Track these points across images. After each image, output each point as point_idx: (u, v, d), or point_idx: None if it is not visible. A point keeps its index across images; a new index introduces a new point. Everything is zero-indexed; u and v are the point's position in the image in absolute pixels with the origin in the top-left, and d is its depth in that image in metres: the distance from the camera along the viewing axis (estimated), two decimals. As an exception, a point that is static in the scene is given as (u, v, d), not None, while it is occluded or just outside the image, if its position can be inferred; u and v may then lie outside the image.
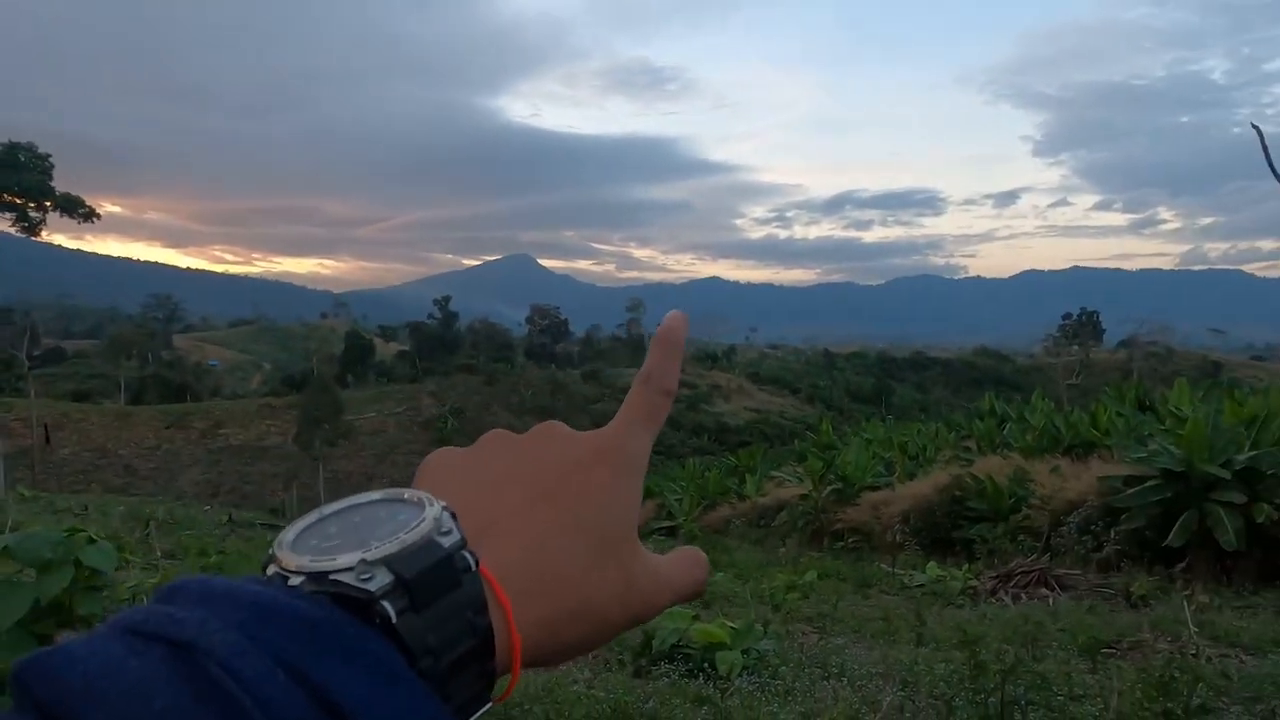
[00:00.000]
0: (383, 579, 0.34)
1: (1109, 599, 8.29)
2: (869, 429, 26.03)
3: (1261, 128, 8.63)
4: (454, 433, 50.56)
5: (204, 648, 0.29)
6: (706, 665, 4.94)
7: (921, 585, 9.63)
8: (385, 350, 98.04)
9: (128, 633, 0.30)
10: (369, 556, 0.34)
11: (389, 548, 0.35)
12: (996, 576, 9.48)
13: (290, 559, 0.35)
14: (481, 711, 0.36)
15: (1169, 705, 3.50)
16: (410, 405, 61.74)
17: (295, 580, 0.34)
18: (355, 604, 0.33)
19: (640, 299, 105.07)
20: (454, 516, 0.37)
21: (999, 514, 12.38)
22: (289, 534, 0.36)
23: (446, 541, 0.36)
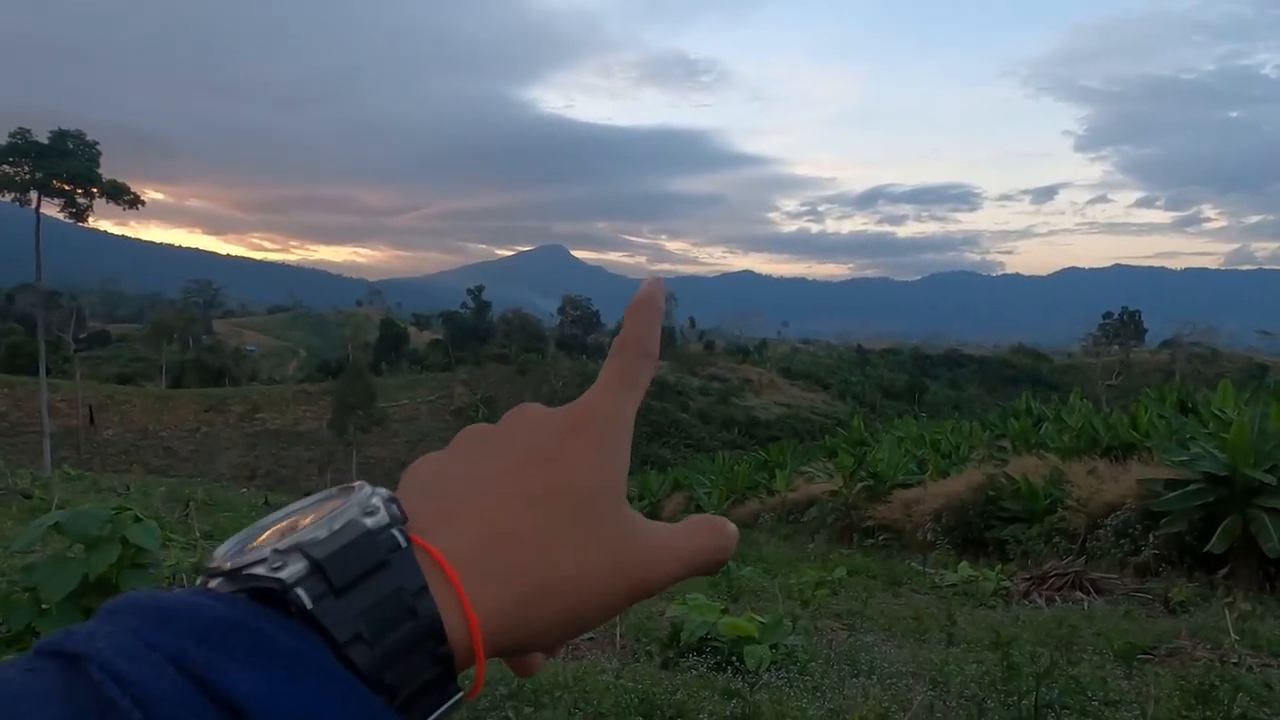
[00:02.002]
0: (296, 566, 0.32)
1: (1146, 604, 8.14)
2: (901, 426, 25.77)
3: (1318, 124, 8.37)
4: (485, 421, 50.94)
5: (89, 655, 0.28)
6: (734, 659, 4.94)
7: (953, 585, 9.53)
8: (419, 339, 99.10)
9: (34, 653, 0.29)
10: (281, 545, 0.32)
11: (304, 535, 0.33)
12: (1030, 578, 9.35)
13: (210, 563, 0.34)
14: (447, 705, 0.34)
15: (1208, 714, 3.43)
16: (443, 393, 62.40)
17: (213, 583, 0.33)
18: (274, 598, 0.31)
19: (672, 292, 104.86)
20: (394, 501, 0.35)
21: (1033, 515, 12.20)
22: (225, 543, 0.35)
23: (371, 521, 0.34)
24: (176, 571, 6.82)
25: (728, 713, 3.76)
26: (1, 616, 2.36)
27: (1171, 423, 12.92)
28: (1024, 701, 3.58)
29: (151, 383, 65.35)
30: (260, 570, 0.32)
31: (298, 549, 0.32)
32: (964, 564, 10.73)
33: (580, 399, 0.42)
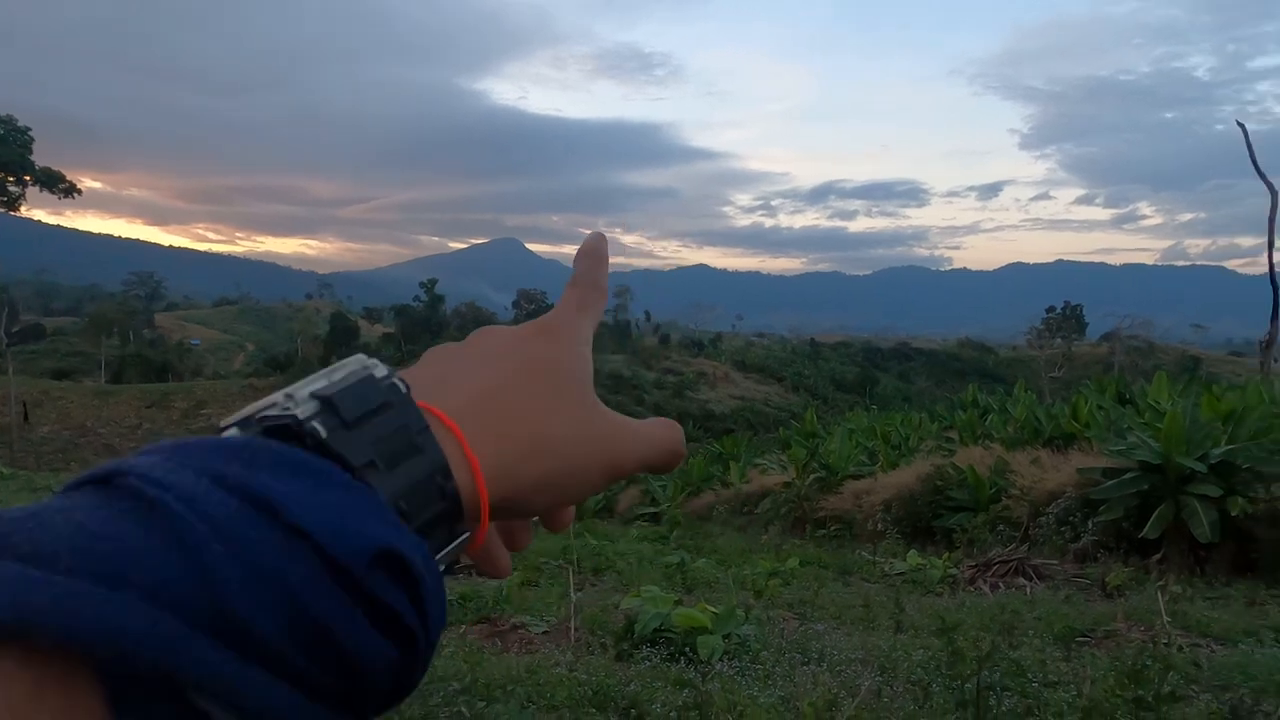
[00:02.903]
0: (308, 406, 0.34)
1: (1085, 589, 8.41)
2: (853, 418, 26.17)
3: (1245, 125, 8.70)
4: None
5: (124, 470, 0.29)
6: (688, 650, 4.98)
7: (902, 573, 9.72)
8: (370, 332, 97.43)
9: (66, 488, 0.30)
10: (292, 391, 0.35)
11: (314, 383, 0.35)
12: (975, 565, 9.59)
13: (236, 416, 0.35)
14: (457, 542, 0.36)
15: (1140, 692, 3.56)
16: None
17: (226, 432, 0.34)
18: (289, 435, 0.33)
19: (628, 286, 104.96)
20: (394, 369, 0.38)
21: (979, 504, 12.50)
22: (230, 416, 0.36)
23: (376, 372, 0.37)
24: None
25: (680, 703, 3.79)
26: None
27: (1110, 413, 13.36)
28: (967, 685, 3.68)
29: (90, 378, 63.19)
30: (273, 412, 0.34)
31: (306, 393, 0.35)
32: (913, 553, 10.96)
33: (540, 318, 0.47)
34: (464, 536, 0.36)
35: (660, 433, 0.46)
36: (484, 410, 0.39)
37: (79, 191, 35.01)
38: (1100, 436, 11.91)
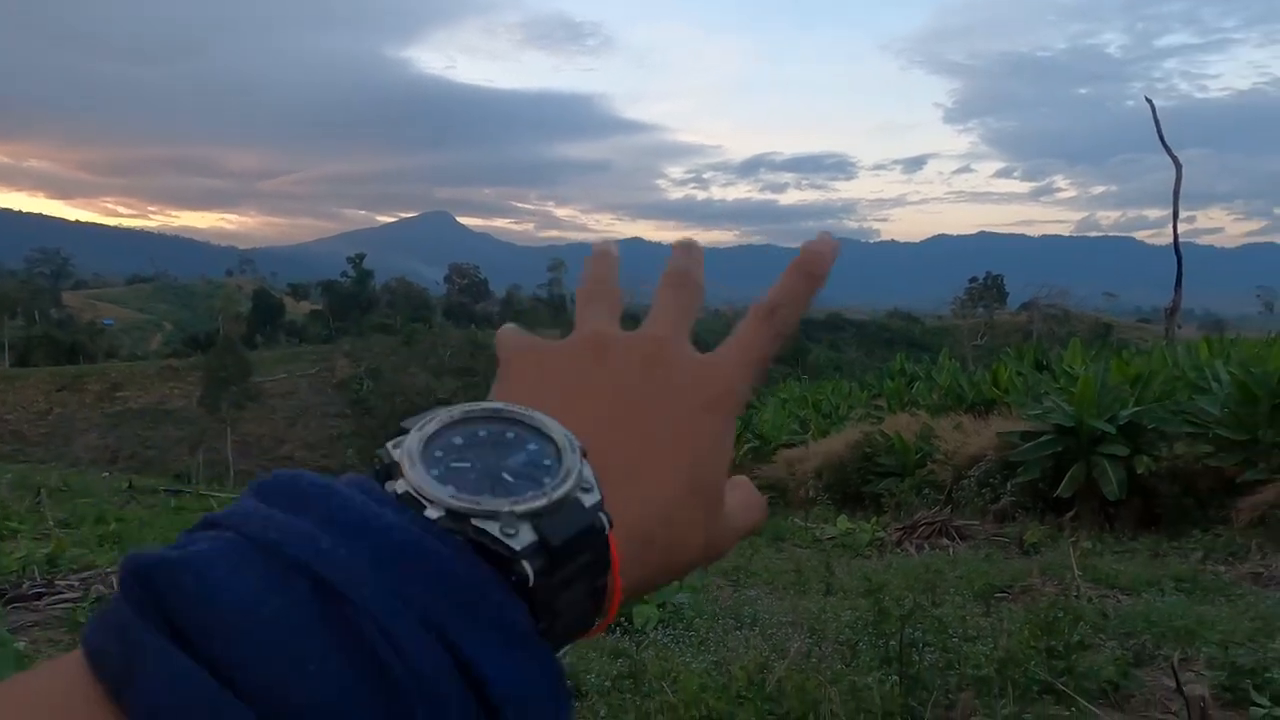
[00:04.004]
0: (526, 537, 0.30)
1: (1004, 547, 8.78)
2: (785, 389, 26.64)
3: (1153, 101, 9.05)
4: (370, 394, 49.33)
5: (356, 601, 0.26)
6: (623, 619, 5.03)
7: (833, 538, 9.99)
8: (296, 310, 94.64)
9: (258, 549, 0.27)
10: (517, 509, 0.31)
11: (535, 502, 0.31)
12: (902, 528, 9.92)
13: (426, 484, 0.31)
14: (565, 649, 0.34)
15: (1052, 643, 3.75)
16: (324, 366, 59.94)
17: (433, 514, 0.30)
18: (494, 557, 0.30)
19: (561, 259, 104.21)
20: (585, 458, 0.34)
21: (906, 469, 12.90)
22: (413, 441, 0.32)
23: (588, 501, 0.32)
24: (28, 563, 6.33)
25: (615, 672, 3.83)
26: None
27: (1028, 379, 13.90)
28: (892, 642, 3.82)
29: (-8, 361, 59.79)
30: (492, 530, 0.30)
31: (529, 518, 0.31)
32: (843, 518, 11.26)
33: (716, 363, 0.41)
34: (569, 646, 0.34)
35: (749, 517, 0.41)
36: (644, 534, 0.35)
37: (-28, 163, 32.79)
38: (1019, 401, 12.39)
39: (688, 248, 0.46)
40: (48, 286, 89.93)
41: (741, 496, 0.41)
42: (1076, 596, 5.63)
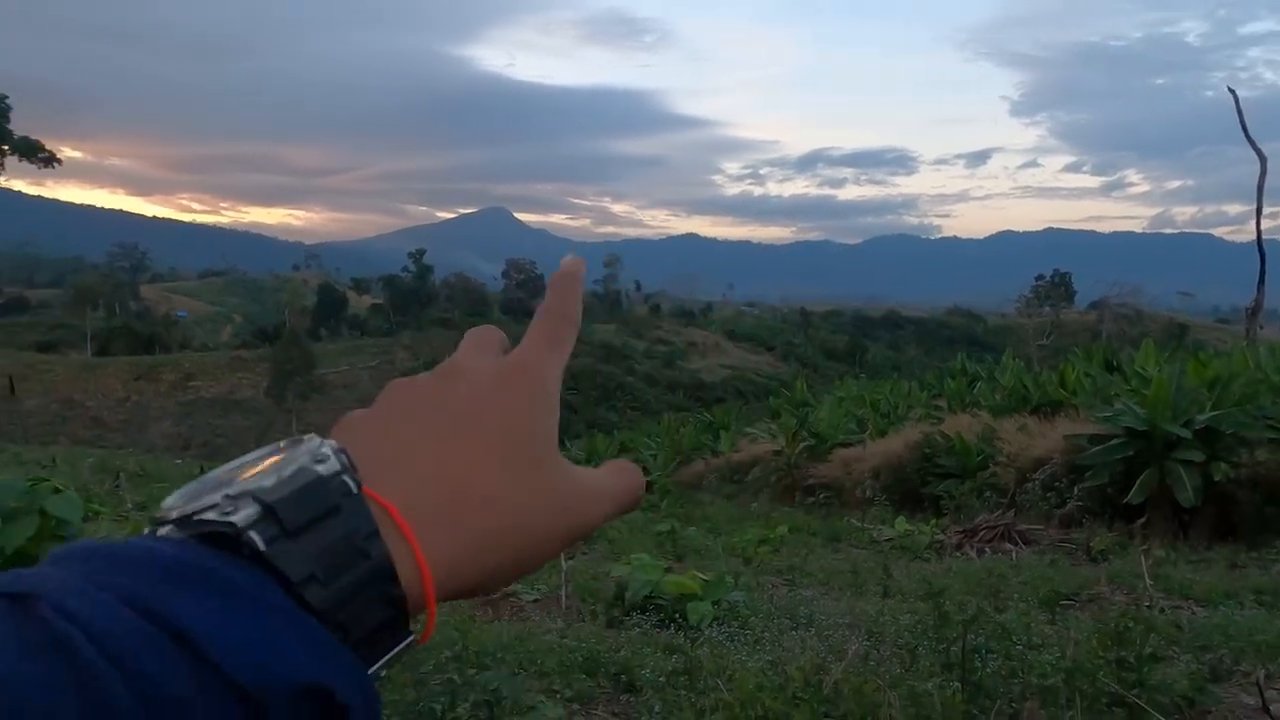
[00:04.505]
0: (249, 510, 0.32)
1: (1070, 554, 8.51)
2: (842, 387, 26.27)
3: (1236, 91, 8.64)
4: (429, 387, 50.22)
5: (37, 593, 0.28)
6: (678, 616, 5.03)
7: (890, 540, 9.82)
8: (359, 304, 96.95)
9: None
10: (232, 491, 0.33)
11: (255, 481, 0.33)
12: (962, 531, 9.70)
13: (161, 511, 0.34)
14: (400, 647, 0.34)
15: (1123, 653, 3.62)
16: (384, 359, 61.31)
17: (163, 530, 0.33)
18: (226, 541, 0.31)
19: (617, 255, 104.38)
20: (343, 452, 0.36)
21: (967, 471, 12.61)
22: (171, 495, 0.35)
23: (322, 468, 0.34)
24: (107, 544, 6.62)
25: (670, 668, 3.83)
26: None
27: (1097, 380, 13.44)
28: (953, 648, 3.73)
29: (75, 351, 62.67)
30: (211, 515, 0.32)
31: (249, 494, 0.32)
32: (901, 519, 11.06)
33: (509, 356, 0.44)
34: (409, 639, 0.35)
35: (620, 483, 0.44)
36: (440, 494, 0.37)
37: (59, 161, 34.39)
38: (1087, 403, 12.00)
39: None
40: (127, 280, 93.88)
41: (613, 468, 0.45)
42: (1148, 607, 5.42)
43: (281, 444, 0.37)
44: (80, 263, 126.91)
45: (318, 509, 0.33)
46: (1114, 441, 10.06)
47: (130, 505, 9.58)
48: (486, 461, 0.39)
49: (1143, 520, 9.36)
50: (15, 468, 14.48)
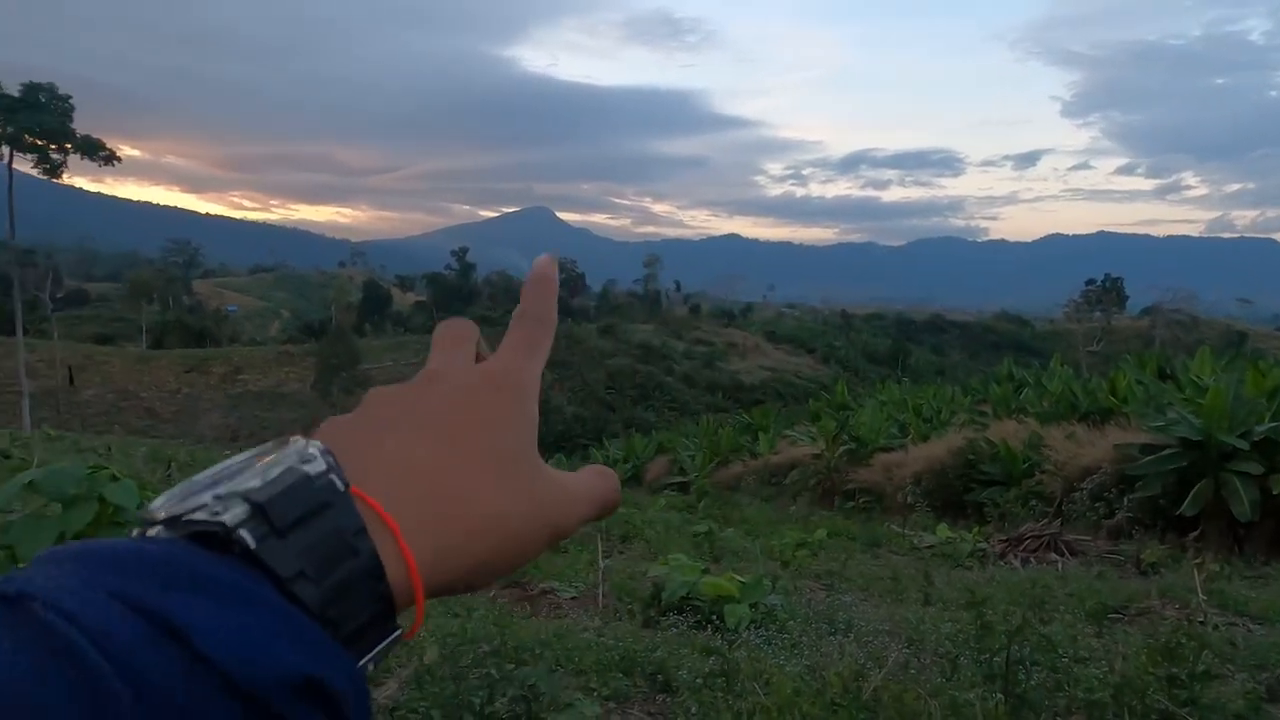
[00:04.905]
0: (238, 510, 0.33)
1: (1119, 566, 8.31)
2: (884, 391, 25.94)
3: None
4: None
5: (31, 594, 0.28)
6: (715, 618, 5.01)
7: (931, 546, 9.68)
8: (403, 300, 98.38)
9: None
10: (222, 492, 0.33)
11: (244, 480, 0.34)
12: (1006, 540, 9.51)
13: (148, 513, 0.34)
14: (388, 641, 0.35)
15: (1174, 670, 3.52)
16: (426, 355, 62.02)
17: (152, 531, 0.33)
18: (217, 541, 0.32)
19: (658, 255, 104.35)
20: (329, 453, 0.36)
21: (1011, 478, 12.37)
22: (159, 497, 0.35)
23: (309, 468, 0.35)
24: (159, 531, 6.82)
25: (707, 669, 3.82)
26: (-22, 574, 2.35)
27: (1150, 388, 13.08)
28: (996, 658, 3.66)
29: (131, 343, 64.57)
30: (201, 515, 0.32)
31: (237, 495, 0.33)
32: (942, 526, 10.89)
33: (486, 362, 0.46)
34: (396, 634, 0.35)
35: (597, 486, 0.45)
36: (423, 494, 0.38)
37: (118, 159, 35.44)
38: (1139, 412, 11.69)
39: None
40: (180, 275, 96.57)
41: (590, 477, 0.46)
42: (1201, 622, 5.27)
43: (270, 444, 0.37)
44: (137, 258, 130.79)
45: (306, 507, 0.33)
46: (1167, 451, 9.78)
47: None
48: (467, 464, 0.39)
49: (1196, 533, 9.09)
50: (73, 455, 14.97)
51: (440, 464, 0.39)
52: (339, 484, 0.35)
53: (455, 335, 0.48)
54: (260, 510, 0.33)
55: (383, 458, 0.39)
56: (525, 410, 0.44)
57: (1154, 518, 9.57)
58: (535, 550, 0.41)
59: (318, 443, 0.37)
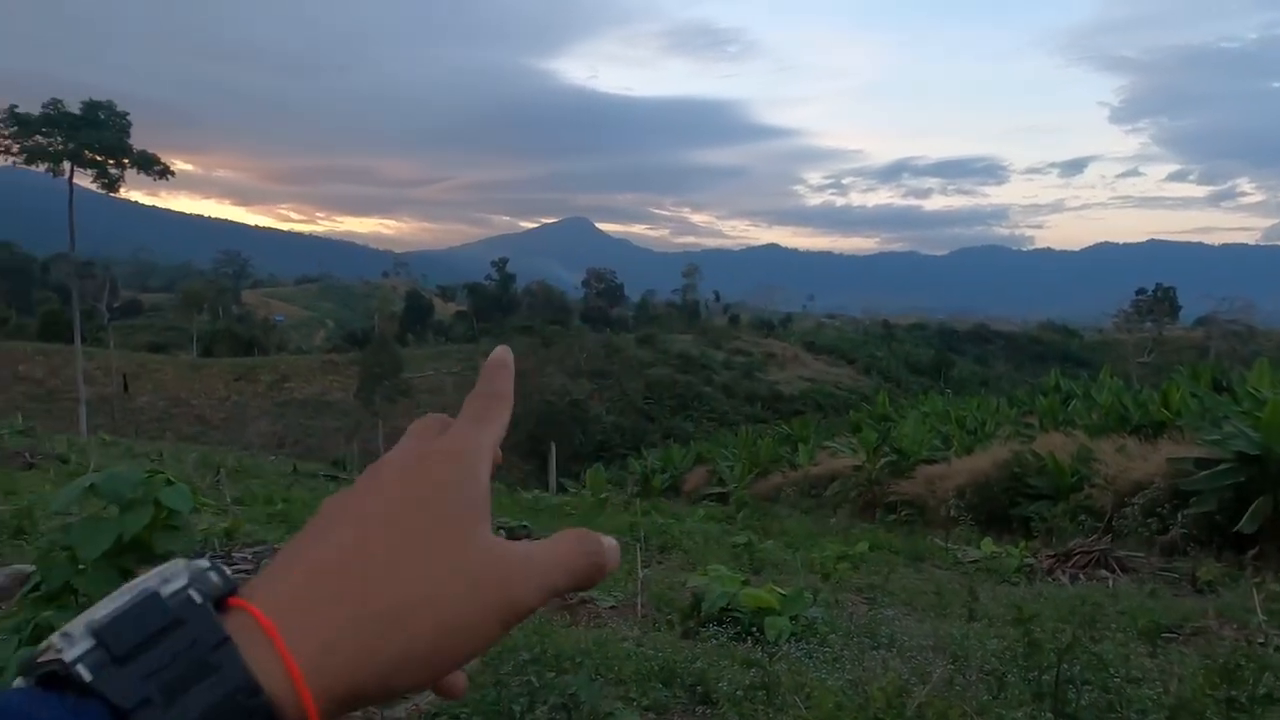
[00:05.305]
0: (84, 644, 0.31)
1: (1173, 583, 8.06)
2: (926, 402, 25.56)
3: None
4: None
5: None
6: (755, 630, 4.97)
7: (975, 561, 9.49)
8: (444, 310, 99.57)
9: None
10: (71, 629, 0.31)
11: (91, 612, 0.32)
12: (1054, 555, 9.29)
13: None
14: None
15: (1233, 693, 3.40)
16: (467, 365, 62.72)
17: (17, 681, 0.32)
18: (66, 682, 0.30)
19: (696, 265, 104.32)
20: (215, 569, 0.34)
21: (1059, 492, 12.09)
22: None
23: (167, 589, 0.33)
24: (209, 536, 6.98)
25: (747, 681, 3.79)
26: (41, 575, 2.44)
27: (1205, 401, 12.70)
28: (1045, 677, 3.57)
29: (183, 352, 66.37)
30: (49, 655, 0.31)
31: (85, 625, 0.31)
32: (987, 540, 10.67)
33: (436, 439, 0.44)
34: None
35: (566, 550, 0.41)
36: (316, 585, 0.35)
37: (172, 173, 36.50)
38: (1194, 425, 11.35)
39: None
40: (230, 285, 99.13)
41: (566, 537, 0.42)
42: (1261, 643, 5.08)
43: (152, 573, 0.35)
44: (190, 269, 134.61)
45: (149, 628, 0.31)
46: (1223, 466, 9.48)
47: (229, 499, 10.08)
48: (387, 539, 0.36)
49: (1254, 551, 8.78)
50: (127, 460, 15.43)
51: (354, 544, 0.36)
52: (196, 597, 0.33)
53: (424, 427, 0.46)
54: (99, 638, 0.31)
55: (297, 560, 0.36)
56: (467, 476, 0.40)
57: (1210, 534, 9.27)
58: (485, 634, 0.37)
59: (202, 561, 0.35)
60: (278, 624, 0.33)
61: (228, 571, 0.34)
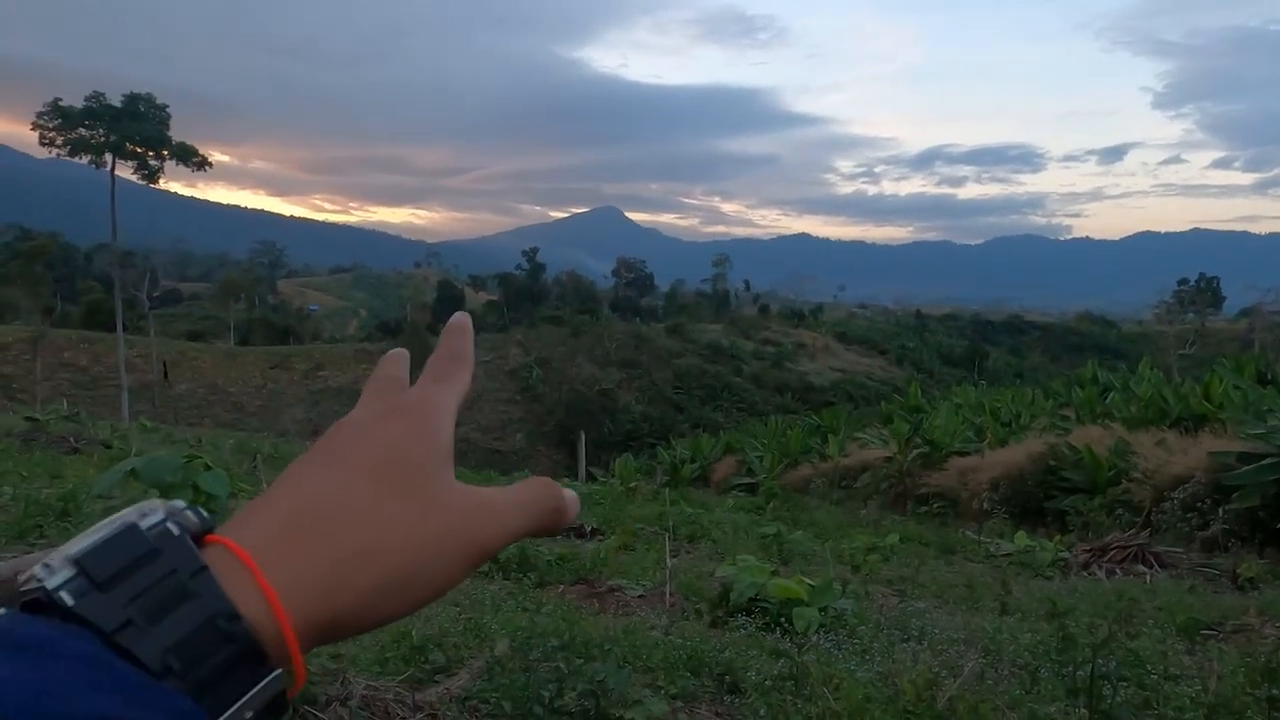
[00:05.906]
0: (65, 573, 0.32)
1: (1212, 580, 7.90)
2: (960, 393, 25.26)
3: None
4: (538, 382, 51.62)
5: None
6: (783, 620, 4.96)
7: (1009, 555, 9.37)
8: (475, 299, 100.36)
9: None
10: (50, 559, 0.33)
11: (72, 544, 0.33)
12: (1090, 550, 9.14)
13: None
14: (263, 683, 0.33)
15: (1274, 692, 3.32)
16: (498, 354, 63.14)
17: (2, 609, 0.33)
18: (47, 606, 0.32)
19: (726, 254, 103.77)
20: (192, 509, 0.36)
21: (1096, 486, 11.88)
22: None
23: (145, 522, 0.34)
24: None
25: (775, 672, 3.78)
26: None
27: (1248, 394, 12.40)
28: (1079, 672, 3.52)
29: (220, 340, 67.61)
30: (30, 585, 0.32)
31: (64, 557, 0.32)
32: (1021, 534, 10.53)
33: (397, 397, 0.46)
34: (274, 674, 0.33)
35: (531, 494, 0.43)
36: (295, 528, 0.36)
37: (210, 164, 37.12)
38: (1236, 418, 11.09)
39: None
40: (266, 275, 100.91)
41: (528, 484, 0.44)
42: (1305, 642, 4.96)
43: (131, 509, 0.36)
44: (226, 259, 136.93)
45: (128, 557, 0.33)
46: (1268, 460, 9.25)
47: (266, 485, 10.26)
48: (353, 483, 0.38)
49: (1299, 548, 8.57)
50: (167, 446, 15.77)
51: (323, 488, 0.38)
52: (174, 529, 0.34)
53: (382, 386, 0.48)
54: (79, 565, 0.32)
55: (270, 505, 0.38)
56: (432, 428, 0.42)
57: (1252, 530, 9.06)
58: (449, 573, 0.39)
59: (178, 502, 0.36)
60: (256, 558, 0.34)
61: (205, 513, 0.36)
